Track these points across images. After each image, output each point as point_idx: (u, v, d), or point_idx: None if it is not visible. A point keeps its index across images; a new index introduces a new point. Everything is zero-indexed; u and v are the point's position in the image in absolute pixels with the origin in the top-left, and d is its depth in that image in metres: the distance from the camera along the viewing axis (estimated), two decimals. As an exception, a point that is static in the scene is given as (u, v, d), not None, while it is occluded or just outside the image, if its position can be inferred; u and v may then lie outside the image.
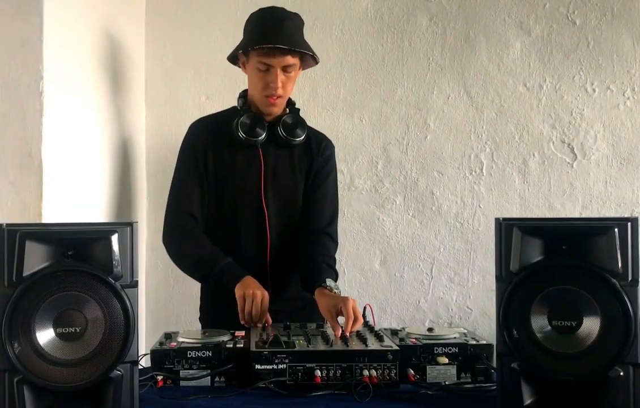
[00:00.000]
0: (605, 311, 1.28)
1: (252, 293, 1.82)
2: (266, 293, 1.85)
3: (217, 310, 2.10)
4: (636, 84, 2.72)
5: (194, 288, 2.88)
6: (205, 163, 2.05)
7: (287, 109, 2.09)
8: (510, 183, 2.78)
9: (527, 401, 1.31)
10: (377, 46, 2.82)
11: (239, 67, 2.11)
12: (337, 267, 2.06)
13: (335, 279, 1.96)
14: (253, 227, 2.05)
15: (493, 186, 2.79)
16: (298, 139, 2.05)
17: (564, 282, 1.31)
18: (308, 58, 2.03)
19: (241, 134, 2.00)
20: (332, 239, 2.10)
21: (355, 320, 1.70)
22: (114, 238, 1.29)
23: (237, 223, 2.06)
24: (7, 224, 1.26)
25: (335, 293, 1.86)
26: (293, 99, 2.13)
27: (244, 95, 2.11)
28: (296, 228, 2.09)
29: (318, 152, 2.12)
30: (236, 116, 2.04)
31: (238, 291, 1.85)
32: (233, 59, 2.09)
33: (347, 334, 1.66)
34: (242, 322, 1.82)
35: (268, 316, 1.85)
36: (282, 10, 2.02)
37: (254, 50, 1.95)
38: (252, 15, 2.04)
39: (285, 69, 1.96)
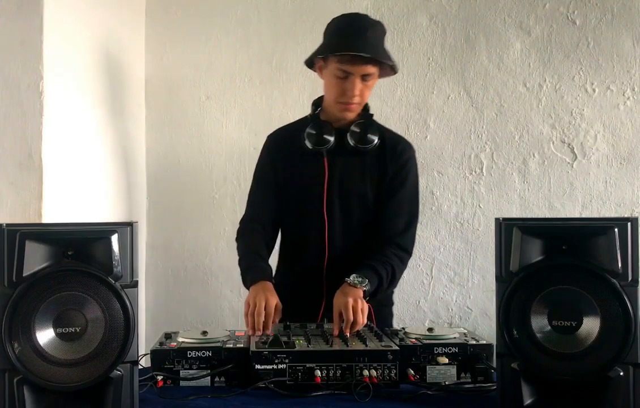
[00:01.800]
0: (605, 311, 1.28)
1: (255, 301, 1.77)
2: (273, 302, 1.78)
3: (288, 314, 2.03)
4: (636, 84, 2.72)
5: (194, 288, 2.90)
6: (275, 174, 2.07)
7: (360, 115, 2.03)
8: (510, 183, 2.78)
9: (527, 401, 1.31)
10: (377, 46, 2.82)
11: (314, 70, 2.06)
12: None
13: (377, 282, 1.87)
14: (313, 236, 2.02)
15: (493, 186, 2.79)
16: (368, 145, 2.00)
17: (564, 282, 1.31)
18: (386, 67, 1.98)
19: (307, 143, 2.00)
20: (401, 248, 2.00)
21: (354, 322, 1.68)
22: (114, 238, 1.28)
23: (299, 233, 2.06)
24: (7, 224, 1.26)
25: (357, 288, 1.79)
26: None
27: (317, 102, 2.08)
28: (362, 238, 2.03)
29: (392, 157, 2.03)
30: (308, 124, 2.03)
31: (248, 297, 1.83)
32: (310, 63, 2.05)
33: (347, 334, 1.66)
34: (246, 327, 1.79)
35: (270, 324, 1.77)
36: (365, 17, 1.98)
37: (334, 56, 1.92)
38: (333, 20, 2.00)
39: (364, 77, 1.92)
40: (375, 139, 2.01)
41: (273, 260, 2.10)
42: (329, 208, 2.01)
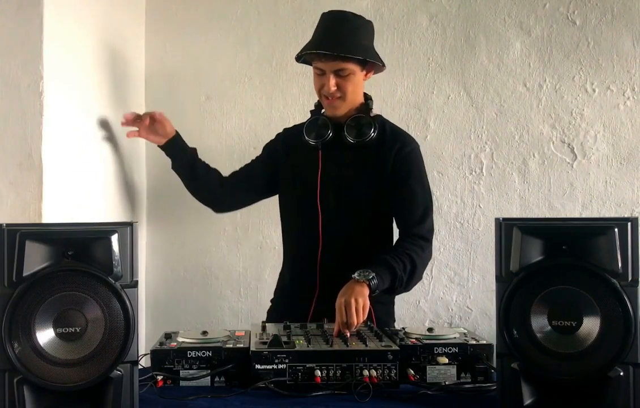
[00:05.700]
0: (605, 311, 1.28)
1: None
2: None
3: (285, 302, 2.15)
4: (636, 84, 2.72)
5: (194, 288, 2.89)
6: (268, 163, 2.20)
7: (357, 109, 2.06)
8: (510, 183, 2.78)
9: (527, 401, 1.31)
10: (377, 46, 2.79)
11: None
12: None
13: (390, 275, 1.84)
14: (308, 227, 2.06)
15: (493, 186, 2.79)
16: (363, 139, 2.00)
17: (564, 282, 1.31)
18: (375, 62, 2.01)
19: (304, 138, 2.06)
20: (419, 237, 1.98)
21: (349, 323, 1.67)
22: (114, 238, 1.29)
23: (296, 224, 2.13)
24: (7, 224, 1.26)
25: (362, 283, 1.76)
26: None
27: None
28: (358, 231, 2.04)
29: (391, 153, 2.02)
30: None
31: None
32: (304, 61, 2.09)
33: (346, 334, 1.65)
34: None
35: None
36: (342, 14, 2.00)
37: (309, 55, 1.99)
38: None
39: (338, 72, 1.96)
40: (371, 133, 2.01)
41: (278, 256, 2.15)
42: (322, 200, 2.03)
